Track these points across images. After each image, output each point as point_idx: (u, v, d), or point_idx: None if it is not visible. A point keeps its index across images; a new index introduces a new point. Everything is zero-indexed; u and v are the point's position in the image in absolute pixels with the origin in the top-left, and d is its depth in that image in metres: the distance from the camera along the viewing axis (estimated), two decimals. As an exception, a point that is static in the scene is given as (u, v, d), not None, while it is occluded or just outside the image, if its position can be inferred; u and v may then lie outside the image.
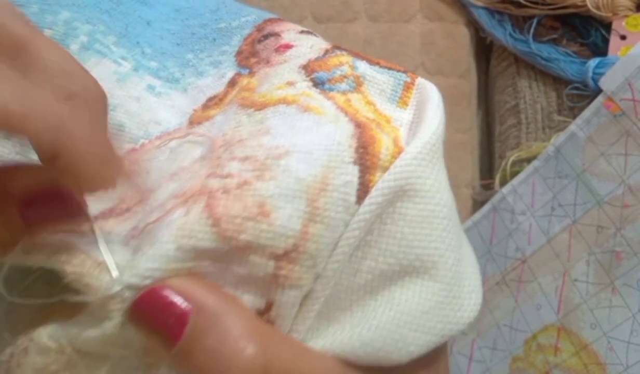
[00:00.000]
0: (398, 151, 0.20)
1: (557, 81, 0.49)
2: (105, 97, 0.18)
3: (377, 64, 0.24)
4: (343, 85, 0.22)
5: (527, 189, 0.48)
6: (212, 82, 0.25)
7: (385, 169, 0.20)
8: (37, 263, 0.18)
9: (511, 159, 0.49)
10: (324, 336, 0.19)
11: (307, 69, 0.23)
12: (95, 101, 0.18)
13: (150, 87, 0.25)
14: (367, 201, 0.19)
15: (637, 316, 0.40)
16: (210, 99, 0.24)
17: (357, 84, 0.23)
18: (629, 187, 0.41)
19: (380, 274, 0.19)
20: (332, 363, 0.19)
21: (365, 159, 0.19)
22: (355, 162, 0.19)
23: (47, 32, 0.25)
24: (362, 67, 0.24)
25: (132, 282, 0.17)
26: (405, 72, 0.24)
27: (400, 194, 0.19)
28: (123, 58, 0.25)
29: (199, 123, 0.23)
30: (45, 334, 0.18)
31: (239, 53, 0.26)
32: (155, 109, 0.24)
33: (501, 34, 0.52)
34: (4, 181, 0.16)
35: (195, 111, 0.24)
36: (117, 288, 0.17)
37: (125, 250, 0.18)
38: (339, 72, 0.23)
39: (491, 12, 0.53)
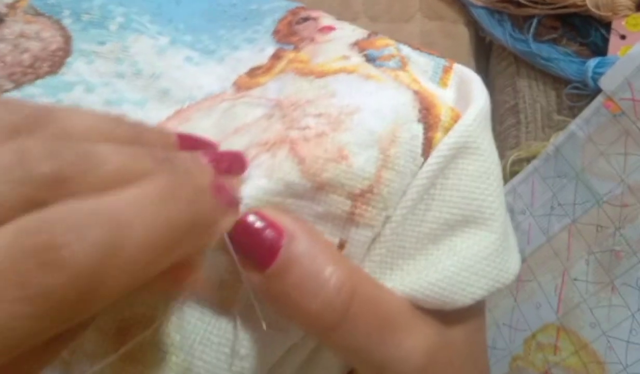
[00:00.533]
0: (456, 115, 0.22)
1: (557, 81, 0.49)
2: None
3: (417, 49, 0.26)
4: (391, 63, 0.24)
5: (526, 188, 0.48)
6: (252, 55, 0.27)
7: (446, 129, 0.21)
8: None
9: (511, 158, 0.49)
10: (391, 279, 0.21)
11: (358, 46, 0.25)
12: None
13: (189, 59, 0.26)
14: (434, 153, 0.21)
15: (637, 315, 0.40)
16: (255, 69, 0.26)
17: (403, 63, 0.24)
18: (628, 186, 0.41)
19: (444, 224, 0.21)
20: (403, 298, 0.20)
21: (429, 119, 0.21)
22: (419, 121, 0.21)
23: (85, 17, 0.26)
24: (405, 49, 0.25)
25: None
26: (443, 57, 0.26)
27: (462, 150, 0.21)
28: (159, 33, 0.27)
29: (248, 88, 0.24)
30: None
31: (275, 32, 0.28)
32: (196, 76, 0.25)
33: (501, 33, 0.52)
34: None
35: (240, 76, 0.25)
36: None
37: None
38: (387, 52, 0.25)
39: (491, 11, 0.54)
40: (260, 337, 0.20)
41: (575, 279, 0.44)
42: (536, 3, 0.50)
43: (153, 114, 0.24)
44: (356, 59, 0.24)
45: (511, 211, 0.49)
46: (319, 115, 0.20)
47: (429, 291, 0.20)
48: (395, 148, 0.20)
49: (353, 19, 0.56)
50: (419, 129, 0.21)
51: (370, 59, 0.24)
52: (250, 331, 0.20)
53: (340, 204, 0.19)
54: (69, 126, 0.16)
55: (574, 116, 0.46)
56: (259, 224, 0.18)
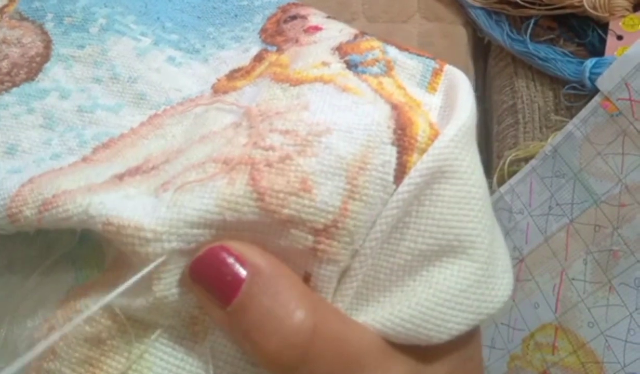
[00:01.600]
0: (434, 134, 0.20)
1: (555, 81, 0.50)
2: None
3: (407, 50, 0.25)
4: (375, 69, 0.23)
5: (524, 188, 0.48)
6: (236, 55, 0.26)
7: (422, 151, 0.20)
8: (79, 225, 0.18)
9: (509, 158, 0.49)
10: (364, 313, 0.20)
11: (340, 51, 0.23)
12: None
13: (171, 59, 0.25)
14: (406, 181, 0.19)
15: (635, 315, 0.40)
16: (235, 71, 0.25)
17: (388, 68, 0.23)
18: (626, 186, 0.41)
19: (419, 255, 0.20)
20: (374, 335, 0.19)
21: (403, 141, 0.20)
22: (393, 143, 0.20)
23: (67, 20, 0.26)
24: (393, 52, 0.24)
25: (180, 247, 0.18)
26: (433, 58, 0.25)
27: (437, 175, 0.20)
28: (143, 34, 0.26)
29: (225, 92, 0.23)
30: (93, 304, 0.18)
31: (263, 31, 0.27)
32: (176, 78, 0.25)
33: (499, 34, 0.53)
34: None
35: (219, 80, 0.25)
36: (165, 255, 0.18)
37: (157, 202, 0.18)
38: (370, 56, 0.23)
39: (489, 12, 0.54)
40: (234, 370, 0.19)
41: (573, 279, 0.44)
42: (534, 4, 0.50)
43: (127, 120, 0.23)
44: (336, 66, 0.22)
45: (509, 210, 0.49)
46: (286, 132, 0.19)
47: (401, 328, 0.19)
48: (363, 176, 0.19)
49: (351, 20, 0.56)
50: (392, 152, 0.19)
51: (352, 65, 0.23)
52: (222, 364, 0.19)
53: (301, 239, 0.18)
54: None
55: (571, 116, 0.46)
56: (221, 258, 0.18)
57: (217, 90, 0.24)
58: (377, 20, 0.57)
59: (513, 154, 0.49)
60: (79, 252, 0.21)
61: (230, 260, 0.18)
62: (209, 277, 0.18)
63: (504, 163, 0.49)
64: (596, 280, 0.42)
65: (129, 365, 0.18)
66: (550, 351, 0.44)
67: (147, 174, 0.20)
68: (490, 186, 0.50)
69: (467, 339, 0.21)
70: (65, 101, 0.24)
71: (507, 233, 0.49)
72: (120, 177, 0.20)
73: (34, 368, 0.19)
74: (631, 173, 0.41)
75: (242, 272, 0.18)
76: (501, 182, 0.50)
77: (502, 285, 0.21)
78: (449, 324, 0.19)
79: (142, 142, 0.22)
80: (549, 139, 0.47)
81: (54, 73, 0.24)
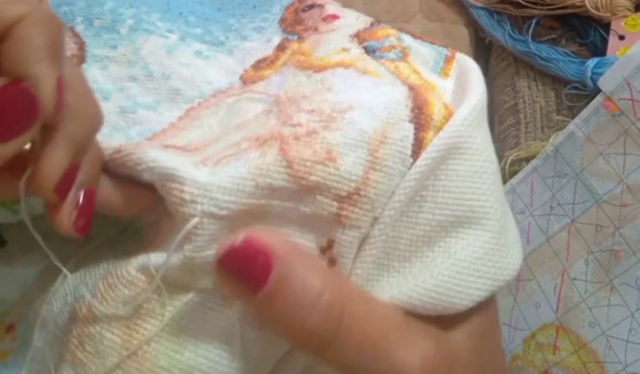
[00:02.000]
0: (449, 113, 0.22)
1: (556, 81, 0.49)
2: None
3: (420, 38, 0.26)
4: (392, 54, 0.24)
5: (526, 188, 0.48)
6: (259, 46, 0.27)
7: (438, 129, 0.21)
8: (144, 175, 0.20)
9: (510, 158, 0.49)
10: (389, 285, 0.21)
11: (358, 38, 0.25)
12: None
13: (198, 52, 0.27)
14: (423, 155, 0.21)
15: (636, 315, 0.40)
16: (260, 61, 0.26)
17: (404, 54, 0.25)
18: (627, 186, 0.41)
19: (437, 225, 0.21)
20: (396, 309, 0.20)
21: (420, 119, 0.21)
22: (411, 121, 0.21)
23: (97, 22, 0.27)
24: (407, 39, 0.26)
25: (211, 211, 0.19)
26: (445, 46, 0.26)
27: (452, 151, 0.21)
28: (169, 31, 0.27)
29: (253, 82, 0.25)
30: (133, 268, 0.19)
31: (282, 20, 0.28)
32: (205, 71, 0.26)
33: (500, 34, 0.52)
34: None
35: (246, 70, 0.26)
36: (197, 217, 0.19)
37: (195, 171, 0.19)
38: (387, 43, 0.25)
39: (490, 12, 0.54)
40: (261, 334, 0.20)
41: (574, 279, 0.44)
42: (535, 4, 0.50)
43: (166, 116, 0.25)
44: (355, 51, 0.24)
45: (510, 210, 0.49)
46: (312, 111, 0.21)
47: (427, 298, 0.20)
48: (384, 149, 0.20)
49: (353, 20, 0.57)
50: (409, 129, 0.21)
51: (370, 51, 0.24)
52: (250, 329, 0.20)
53: (326, 205, 0.20)
54: None
55: (573, 116, 0.46)
56: (248, 249, 0.18)
57: (246, 80, 0.25)
58: (379, 20, 0.57)
59: (514, 154, 0.49)
60: (120, 238, 0.22)
61: (257, 251, 0.18)
62: (237, 268, 0.18)
63: (505, 163, 0.49)
64: (597, 280, 0.42)
65: (162, 327, 0.19)
66: (551, 351, 0.44)
67: (190, 153, 0.21)
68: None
69: (487, 311, 0.22)
70: (108, 103, 0.25)
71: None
72: (166, 146, 0.21)
73: (75, 334, 0.20)
74: (633, 173, 0.41)
75: (270, 261, 0.18)
76: (503, 182, 0.49)
77: (514, 254, 0.22)
78: (470, 290, 0.21)
79: (182, 134, 0.24)
80: (551, 139, 0.47)
81: (92, 74, 0.25)
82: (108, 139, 0.23)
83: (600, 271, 0.42)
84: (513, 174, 0.49)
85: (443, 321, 0.21)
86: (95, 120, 0.19)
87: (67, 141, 0.18)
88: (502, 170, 0.50)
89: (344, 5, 0.28)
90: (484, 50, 0.58)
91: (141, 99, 0.25)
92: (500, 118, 0.53)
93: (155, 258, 0.19)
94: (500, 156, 0.52)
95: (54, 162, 0.17)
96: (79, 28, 0.27)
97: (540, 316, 0.45)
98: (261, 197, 0.19)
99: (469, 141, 0.21)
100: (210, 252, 0.19)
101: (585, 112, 0.44)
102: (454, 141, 0.21)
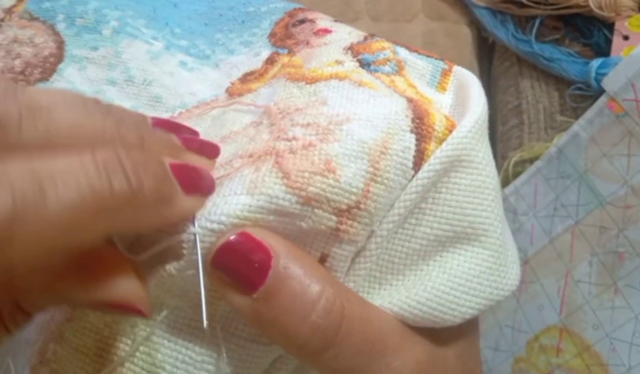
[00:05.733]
0: (451, 125, 0.21)
1: (560, 81, 0.49)
2: None
3: (416, 51, 0.25)
4: (387, 68, 0.23)
5: (529, 189, 0.48)
6: (246, 59, 0.26)
7: (440, 140, 0.21)
8: None
9: (513, 159, 0.49)
10: (379, 297, 0.20)
11: (352, 51, 0.24)
12: None
13: (183, 63, 0.26)
14: (425, 167, 0.20)
15: (640, 317, 0.40)
16: (248, 74, 0.25)
17: (399, 67, 0.24)
18: (631, 187, 0.41)
19: (434, 240, 0.20)
20: (392, 317, 0.20)
21: (422, 129, 0.20)
22: (412, 131, 0.20)
23: (79, 21, 0.26)
24: (403, 52, 0.25)
25: (203, 225, 0.18)
26: (442, 59, 0.25)
27: (455, 163, 0.20)
28: (154, 38, 0.26)
29: (240, 95, 0.24)
30: None
31: (272, 35, 0.27)
32: (189, 82, 0.25)
33: (503, 34, 0.52)
34: None
35: (232, 83, 0.25)
36: (189, 232, 0.18)
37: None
38: (382, 56, 0.24)
39: (493, 12, 0.53)
40: (244, 351, 0.19)
41: (578, 281, 0.43)
42: (539, 3, 0.50)
43: None
44: (350, 64, 0.23)
45: (514, 212, 0.48)
46: (307, 125, 0.20)
47: (418, 311, 0.20)
48: (385, 161, 0.19)
49: (355, 19, 0.56)
50: (411, 139, 0.20)
51: (364, 64, 0.23)
52: (234, 347, 0.19)
53: (325, 220, 0.19)
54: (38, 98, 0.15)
55: (577, 116, 0.46)
56: (246, 245, 0.18)
57: (232, 93, 0.24)
58: (381, 20, 0.57)
59: (518, 155, 0.49)
60: None
61: (255, 246, 0.18)
62: (234, 264, 0.18)
63: (508, 164, 0.49)
64: (601, 282, 0.42)
65: (136, 347, 0.19)
66: (554, 354, 0.44)
67: None
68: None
69: (473, 325, 0.22)
70: None
71: (511, 234, 0.48)
72: None
73: (39, 351, 0.19)
74: (637, 174, 0.41)
75: (268, 258, 0.18)
76: (506, 183, 0.49)
77: (512, 273, 0.22)
78: (463, 308, 0.20)
79: None
80: (554, 140, 0.47)
81: (69, 74, 0.24)
82: None
83: (604, 273, 0.42)
84: (516, 175, 0.49)
85: (434, 331, 0.21)
86: None
87: None
88: (506, 171, 0.49)
89: (345, 7, 0.27)
90: (487, 50, 0.57)
91: (119, 103, 0.24)
92: (504, 119, 0.53)
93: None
94: (504, 156, 0.51)
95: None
96: (60, 26, 0.26)
97: (543, 319, 0.45)
98: (256, 212, 0.18)
99: (472, 154, 0.21)
100: (193, 272, 0.18)
101: (589, 113, 0.44)
102: (457, 154, 0.20)
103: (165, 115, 0.24)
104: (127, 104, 0.24)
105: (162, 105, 0.24)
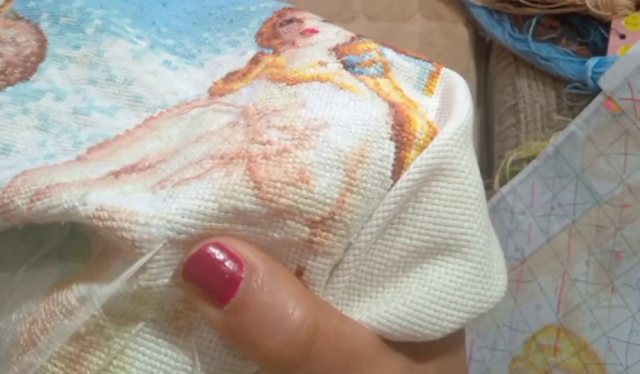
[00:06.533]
0: (433, 131, 0.20)
1: (557, 80, 0.49)
2: None
3: (403, 52, 0.25)
4: (372, 70, 0.23)
5: (526, 188, 0.48)
6: (232, 59, 0.26)
7: (421, 147, 0.20)
8: (70, 216, 0.18)
9: (510, 158, 0.49)
10: (358, 310, 0.20)
11: (337, 52, 0.23)
12: None
13: (167, 62, 0.25)
14: (404, 176, 0.19)
15: (637, 316, 0.40)
16: (231, 74, 0.25)
17: (385, 69, 0.23)
18: (628, 186, 0.41)
19: (414, 251, 0.20)
20: (370, 332, 0.19)
21: (402, 136, 0.20)
22: (391, 139, 0.20)
23: (62, 20, 0.26)
24: (389, 54, 0.24)
25: (168, 235, 0.17)
26: (430, 61, 0.25)
27: (436, 172, 0.20)
28: (139, 37, 0.26)
29: (222, 95, 0.23)
30: (74, 297, 0.18)
31: (259, 34, 0.27)
32: (172, 81, 0.25)
33: (500, 33, 0.52)
34: None
35: (215, 83, 0.24)
36: (154, 243, 0.17)
37: (153, 197, 0.18)
38: (367, 57, 0.23)
39: (490, 11, 0.53)
40: (220, 365, 0.19)
41: (575, 280, 0.43)
42: (535, 3, 0.50)
43: (122, 122, 0.23)
44: (333, 66, 0.22)
45: (511, 211, 0.48)
46: (284, 128, 0.19)
47: (397, 326, 0.19)
48: (362, 170, 0.19)
49: (352, 18, 0.56)
50: (390, 147, 0.19)
51: (348, 65, 0.23)
52: (209, 360, 0.19)
53: (298, 231, 0.18)
54: None
55: (573, 115, 0.46)
56: (217, 255, 0.17)
57: (214, 93, 0.24)
58: (378, 19, 0.57)
59: (515, 154, 0.49)
60: (67, 247, 0.21)
61: (226, 257, 0.17)
62: (204, 275, 0.17)
63: (505, 163, 0.49)
64: (598, 281, 0.42)
65: (110, 360, 0.18)
66: (552, 353, 0.44)
67: (143, 172, 0.20)
68: (492, 187, 0.50)
69: (457, 337, 0.21)
70: (61, 103, 0.23)
71: (508, 234, 0.48)
72: (115, 174, 0.20)
73: (15, 362, 0.18)
74: (634, 173, 0.41)
75: (240, 269, 0.17)
76: (503, 182, 0.49)
77: (497, 285, 0.21)
78: (444, 322, 0.20)
79: (138, 143, 0.22)
80: (551, 139, 0.47)
81: (49, 73, 0.24)
82: (54, 139, 0.22)
83: (601, 272, 0.42)
84: (513, 174, 0.49)
85: (414, 346, 0.20)
86: None
87: None
88: (503, 170, 0.49)
89: (341, 7, 0.27)
90: (483, 50, 0.57)
91: (98, 103, 0.24)
92: (501, 118, 0.53)
93: (99, 290, 0.18)
94: (500, 156, 0.51)
95: None
96: (44, 25, 0.26)
97: (540, 318, 0.45)
98: (225, 221, 0.18)
99: (454, 163, 0.20)
100: (167, 281, 0.18)
101: (585, 112, 0.44)
102: (438, 162, 0.20)
103: (145, 115, 0.23)
104: (106, 104, 0.24)
105: (142, 105, 0.24)
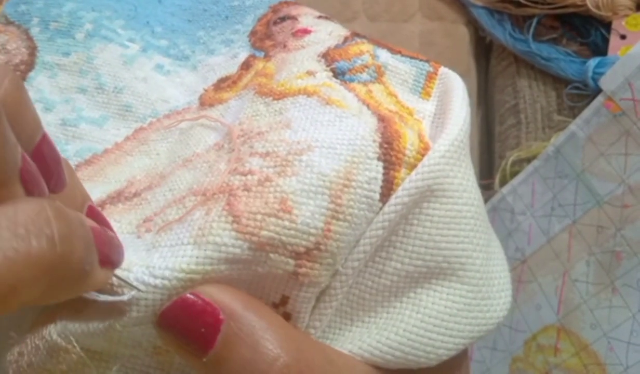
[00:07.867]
0: (424, 147, 0.19)
1: (557, 81, 0.49)
2: None
3: (399, 52, 0.23)
4: (364, 76, 0.22)
5: (527, 189, 0.48)
6: (224, 62, 0.25)
7: (411, 165, 0.19)
8: None
9: (511, 159, 0.49)
10: (351, 339, 0.19)
11: (327, 57, 0.22)
12: None
13: (159, 67, 0.25)
14: (392, 200, 0.18)
15: (637, 316, 0.40)
16: (222, 80, 0.24)
17: (379, 74, 0.22)
18: (629, 187, 0.41)
19: (406, 276, 0.19)
20: (361, 367, 0.19)
21: (390, 155, 0.19)
22: (379, 158, 0.19)
23: (53, 25, 0.25)
24: (384, 56, 0.23)
25: (144, 280, 0.17)
26: (427, 61, 0.24)
27: (427, 194, 0.19)
28: (131, 40, 0.25)
29: (211, 105, 0.23)
30: (55, 332, 0.17)
31: (252, 33, 0.26)
32: (163, 88, 0.24)
33: (501, 33, 0.52)
34: None
35: (206, 90, 0.24)
36: (133, 289, 0.17)
37: (139, 243, 0.18)
38: (359, 62, 0.22)
39: (491, 11, 0.53)
40: None
41: (575, 280, 0.43)
42: (536, 3, 0.50)
43: (111, 134, 0.23)
44: (322, 75, 0.22)
45: (511, 211, 0.48)
46: (266, 154, 0.18)
47: (390, 356, 0.19)
48: (348, 194, 0.18)
49: (352, 19, 0.56)
50: (378, 168, 0.18)
51: (339, 73, 0.22)
52: None
53: (282, 264, 0.17)
54: None
55: (574, 116, 0.46)
56: (192, 307, 0.17)
57: (204, 102, 0.23)
58: (378, 20, 0.57)
59: (515, 155, 0.49)
60: None
61: (205, 307, 0.17)
62: (182, 326, 0.17)
63: (506, 164, 0.49)
64: (599, 281, 0.42)
65: None
66: (552, 353, 0.44)
67: (130, 202, 0.19)
68: (492, 187, 0.50)
69: (455, 358, 0.20)
70: (49, 114, 0.23)
71: (509, 234, 0.48)
72: (101, 205, 0.19)
73: None
74: (634, 174, 0.41)
75: (218, 320, 0.17)
76: (503, 183, 0.49)
77: (497, 305, 0.20)
78: (439, 350, 0.19)
79: (126, 160, 0.22)
80: (552, 140, 0.47)
81: (39, 83, 0.24)
82: None
83: (601, 272, 0.42)
84: (514, 174, 0.49)
85: (409, 370, 0.19)
86: None
87: None
88: (503, 170, 0.49)
89: (342, 7, 0.26)
90: (484, 50, 0.57)
91: (87, 113, 0.23)
92: (501, 118, 0.53)
93: (79, 328, 0.17)
94: (501, 156, 0.51)
95: None
96: (35, 30, 0.25)
97: (541, 318, 0.45)
98: (205, 264, 0.17)
99: (446, 182, 0.19)
100: (143, 325, 0.17)
101: (586, 113, 0.44)
102: (428, 184, 0.19)
103: (134, 125, 0.23)
104: (96, 113, 0.23)
105: (132, 114, 0.23)
